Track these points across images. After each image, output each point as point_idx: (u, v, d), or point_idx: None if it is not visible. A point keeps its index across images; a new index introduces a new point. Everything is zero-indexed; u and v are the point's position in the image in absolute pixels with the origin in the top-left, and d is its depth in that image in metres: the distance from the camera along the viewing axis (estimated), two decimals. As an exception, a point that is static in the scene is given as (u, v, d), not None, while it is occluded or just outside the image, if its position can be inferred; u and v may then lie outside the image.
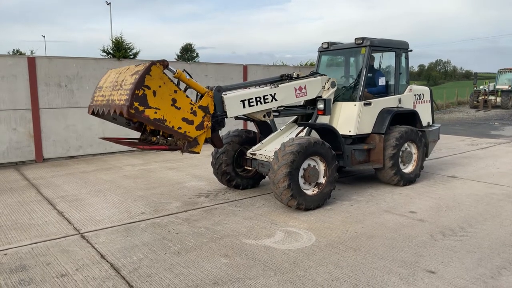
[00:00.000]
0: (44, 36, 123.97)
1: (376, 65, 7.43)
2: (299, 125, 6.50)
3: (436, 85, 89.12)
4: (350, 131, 6.70)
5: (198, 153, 5.14)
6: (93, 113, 5.30)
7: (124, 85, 4.59)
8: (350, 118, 6.73)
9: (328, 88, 6.70)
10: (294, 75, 6.58)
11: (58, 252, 4.36)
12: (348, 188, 6.98)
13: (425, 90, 8.03)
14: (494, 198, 6.26)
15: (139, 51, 37.74)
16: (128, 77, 4.62)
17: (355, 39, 6.92)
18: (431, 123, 8.10)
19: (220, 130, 5.62)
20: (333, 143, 6.22)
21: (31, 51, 61.13)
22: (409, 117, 7.37)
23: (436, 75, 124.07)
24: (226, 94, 5.59)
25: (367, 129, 6.88)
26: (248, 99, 5.79)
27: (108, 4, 48.81)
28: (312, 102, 6.69)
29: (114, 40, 39.53)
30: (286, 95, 6.20)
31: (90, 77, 10.48)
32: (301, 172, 5.65)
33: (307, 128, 6.36)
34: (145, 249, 4.41)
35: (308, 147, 5.56)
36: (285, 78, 6.46)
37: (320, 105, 6.13)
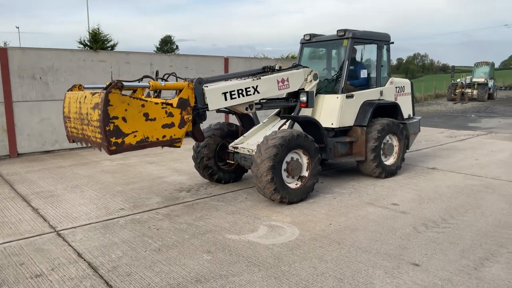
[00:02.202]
0: (18, 28, 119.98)
1: (358, 57, 7.40)
2: (282, 118, 6.43)
3: (414, 78, 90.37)
4: (332, 124, 6.66)
5: (179, 147, 5.01)
6: (74, 142, 5.20)
7: (91, 121, 4.45)
8: (332, 111, 6.69)
9: (311, 81, 6.63)
10: (277, 67, 6.48)
11: (33, 251, 4.17)
12: (330, 181, 6.95)
13: (406, 82, 8.05)
14: (474, 189, 6.34)
15: (117, 43, 36.46)
16: (90, 111, 4.47)
17: (337, 31, 6.86)
18: (411, 115, 8.14)
19: (201, 123, 5.49)
20: (316, 136, 6.17)
21: (5, 43, 59.19)
22: (391, 110, 7.38)
23: (414, 69, 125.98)
24: (207, 86, 5.46)
25: (349, 121, 6.86)
26: (230, 92, 5.67)
27: (84, -5, 47.31)
28: (295, 95, 6.62)
29: (91, 31, 38.30)
30: (269, 87, 6.11)
31: (65, 69, 10.13)
32: (284, 166, 5.58)
33: (289, 121, 6.29)
34: (125, 246, 4.27)
35: (291, 140, 5.49)
36: (268, 70, 6.36)
37: (303, 98, 6.05)
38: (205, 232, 4.65)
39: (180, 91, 5.02)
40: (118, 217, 5.18)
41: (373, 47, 7.26)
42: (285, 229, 4.71)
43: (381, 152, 6.97)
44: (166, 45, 70.52)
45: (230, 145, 6.47)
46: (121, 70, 11.04)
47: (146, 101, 4.59)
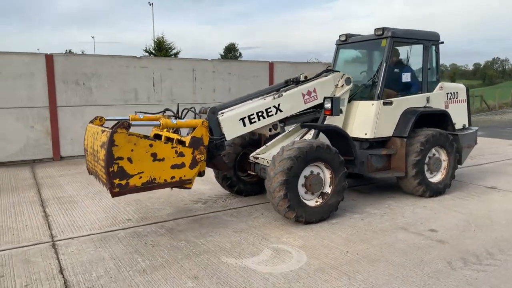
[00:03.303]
0: (93, 37, 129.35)
1: (402, 59, 6.57)
2: (302, 127, 5.80)
3: (492, 84, 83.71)
4: (366, 134, 5.91)
5: (190, 188, 4.66)
6: (91, 175, 5.05)
7: (99, 159, 4.25)
8: (366, 119, 5.94)
9: (342, 85, 5.95)
10: (302, 78, 5.90)
11: (19, 263, 3.97)
12: (364, 198, 6.18)
13: (460, 88, 7.02)
14: (538, 217, 5.25)
15: (180, 51, 37.76)
16: (99, 149, 4.27)
17: (375, 29, 6.11)
18: (466, 126, 7.08)
19: (220, 154, 5.16)
20: (343, 147, 5.49)
21: (82, 52, 64.03)
22: (439, 119, 6.44)
23: (492, 74, 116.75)
24: (222, 115, 5.05)
25: (387, 132, 6.05)
26: (248, 116, 5.23)
27: (150, 5, 49.66)
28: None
29: (155, 40, 39.67)
30: (293, 103, 5.57)
31: (107, 75, 10.28)
32: (302, 180, 4.96)
33: (314, 130, 5.64)
34: (111, 264, 3.92)
35: (309, 152, 4.87)
36: (290, 83, 5.82)
37: (327, 104, 5.39)
38: (202, 252, 4.18)
39: (194, 128, 4.64)
40: (120, 229, 4.89)
41: (419, 47, 6.38)
42: (291, 255, 4.10)
43: (426, 168, 6.06)
44: (230, 53, 71.80)
45: (251, 155, 5.96)
46: (163, 76, 11.01)
47: (155, 140, 4.31)
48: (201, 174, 4.77)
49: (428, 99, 6.36)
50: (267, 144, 6.02)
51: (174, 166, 4.38)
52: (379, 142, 6.12)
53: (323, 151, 4.98)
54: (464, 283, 3.49)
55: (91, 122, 5.11)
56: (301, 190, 4.99)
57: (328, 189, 5.15)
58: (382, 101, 5.90)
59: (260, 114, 5.34)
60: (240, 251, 4.20)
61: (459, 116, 6.90)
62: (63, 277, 3.67)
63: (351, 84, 6.01)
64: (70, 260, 4.02)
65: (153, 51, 36.19)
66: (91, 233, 4.78)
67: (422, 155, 5.88)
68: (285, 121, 5.75)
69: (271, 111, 5.41)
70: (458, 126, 6.88)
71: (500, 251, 4.16)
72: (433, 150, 6.12)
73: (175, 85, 11.19)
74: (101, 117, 5.21)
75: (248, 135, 6.19)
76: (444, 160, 6.27)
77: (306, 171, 4.99)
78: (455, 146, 6.30)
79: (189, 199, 6.15)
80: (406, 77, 6.24)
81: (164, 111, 5.59)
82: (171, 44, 38.03)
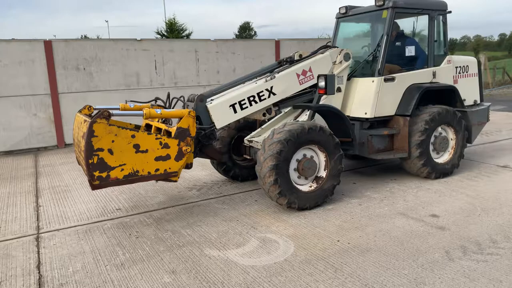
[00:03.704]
0: (107, 21, 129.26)
1: (408, 31, 6.13)
2: (294, 108, 5.49)
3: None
4: (366, 113, 5.56)
5: (176, 181, 4.46)
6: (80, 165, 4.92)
7: (81, 150, 4.07)
8: (366, 98, 5.58)
9: (341, 62, 5.58)
10: (296, 57, 5.56)
11: (-1, 258, 3.89)
12: (365, 181, 5.88)
13: (470, 61, 6.54)
14: (552, 198, 4.87)
15: (191, 32, 37.36)
16: (81, 139, 4.08)
17: (376, 0, 5.68)
18: (478, 101, 6.63)
19: (212, 143, 4.95)
20: (341, 129, 5.18)
21: (97, 36, 64.12)
22: (447, 95, 6.02)
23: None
24: (211, 102, 4.80)
25: (390, 110, 5.68)
26: (239, 102, 4.96)
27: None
28: None
29: (167, 22, 39.35)
30: (287, 85, 5.25)
31: (108, 59, 10.10)
32: (294, 165, 4.70)
33: (309, 111, 5.33)
34: (89, 257, 3.79)
35: (301, 134, 4.58)
36: (284, 63, 5.49)
37: (321, 83, 5.05)
38: (185, 244, 4.00)
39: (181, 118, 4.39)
40: (108, 219, 4.76)
41: (425, 18, 5.93)
42: (278, 245, 3.88)
43: (432, 148, 5.70)
44: (245, 32, 70.79)
45: (246, 138, 5.71)
46: (165, 58, 10.76)
47: (137, 131, 4.10)
48: (188, 166, 4.56)
49: (434, 74, 5.93)
50: (262, 127, 5.75)
51: (158, 158, 4.17)
52: (381, 122, 5.77)
53: (316, 133, 4.68)
54: (461, 275, 3.21)
55: (80, 111, 4.94)
56: (294, 175, 4.74)
57: (323, 173, 4.88)
58: (383, 77, 5.53)
59: (251, 98, 5.06)
60: (226, 241, 4.01)
61: (469, 91, 6.45)
62: (39, 272, 3.55)
63: (350, 60, 5.64)
64: (50, 254, 3.91)
65: (165, 33, 35.92)
66: (77, 224, 4.66)
67: (427, 134, 5.51)
68: (280, 104, 5.47)
69: (263, 95, 5.13)
70: (468, 102, 6.45)
71: (505, 238, 3.84)
72: (439, 129, 5.73)
73: (178, 68, 10.93)
74: (90, 106, 5.03)
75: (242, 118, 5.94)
76: (451, 139, 5.88)
77: (299, 155, 4.72)
78: (463, 124, 5.89)
79: (184, 186, 5.97)
80: (410, 51, 5.82)
81: (155, 100, 5.39)
82: (182, 26, 37.61)
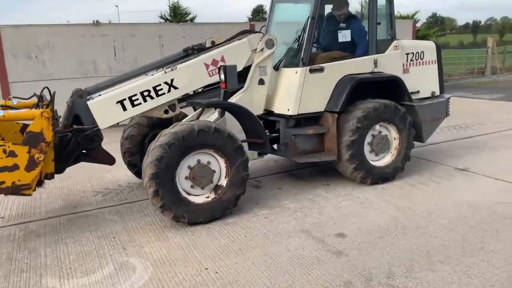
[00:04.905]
0: (117, 6, 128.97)
1: (349, 12, 5.30)
2: (190, 104, 4.78)
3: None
4: (288, 110, 4.80)
5: (30, 195, 3.84)
6: None
7: None
8: (289, 91, 4.82)
9: (262, 49, 4.82)
10: (208, 44, 4.84)
11: None
12: (293, 186, 5.15)
13: (426, 46, 5.65)
14: (500, 213, 4.05)
15: (195, 16, 36.49)
16: None
17: (304, -24, 4.87)
18: (437, 93, 5.75)
19: (97, 145, 4.35)
20: (252, 128, 4.47)
21: (109, 21, 63.63)
22: (392, 87, 5.19)
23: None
24: (92, 99, 4.15)
25: (319, 106, 4.91)
26: (130, 97, 4.28)
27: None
28: (243, 74, 4.86)
29: (170, 5, 38.38)
30: (193, 77, 4.54)
31: (63, 46, 9.51)
32: (185, 172, 4.03)
33: (218, 109, 4.61)
34: None
35: (188, 136, 3.89)
36: (191, 52, 4.77)
37: (221, 75, 4.32)
38: (29, 268, 3.40)
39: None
40: (-22, 232, 4.21)
41: (366, -3, 5.09)
42: (133, 273, 3.24)
43: (368, 149, 4.93)
44: (258, 15, 69.22)
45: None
46: (126, 44, 10.11)
47: None
48: (48, 176, 3.92)
49: (375, 62, 5.10)
50: (179, 123, 5.06)
51: (3, 169, 3.54)
52: (311, 119, 5.00)
53: (208, 135, 3.98)
54: (316, 329, 2.51)
55: None
56: (186, 184, 4.07)
57: (223, 181, 4.19)
58: (308, 67, 4.74)
59: (146, 94, 4.37)
60: (77, 267, 3.39)
61: (425, 81, 5.60)
62: None
63: (274, 47, 4.86)
64: None
65: (169, 18, 35.24)
66: None
67: (359, 134, 4.73)
68: (188, 99, 4.77)
69: (161, 89, 4.43)
70: (424, 94, 5.61)
71: (406, 272, 3.09)
72: (377, 127, 4.93)
73: (140, 53, 10.23)
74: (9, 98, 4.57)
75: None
76: (394, 139, 5.09)
77: (191, 161, 4.04)
78: (408, 121, 5.07)
79: (93, 190, 5.37)
80: (344, 36, 5.00)
81: (39, 97, 4.67)
82: (186, 9, 36.88)
